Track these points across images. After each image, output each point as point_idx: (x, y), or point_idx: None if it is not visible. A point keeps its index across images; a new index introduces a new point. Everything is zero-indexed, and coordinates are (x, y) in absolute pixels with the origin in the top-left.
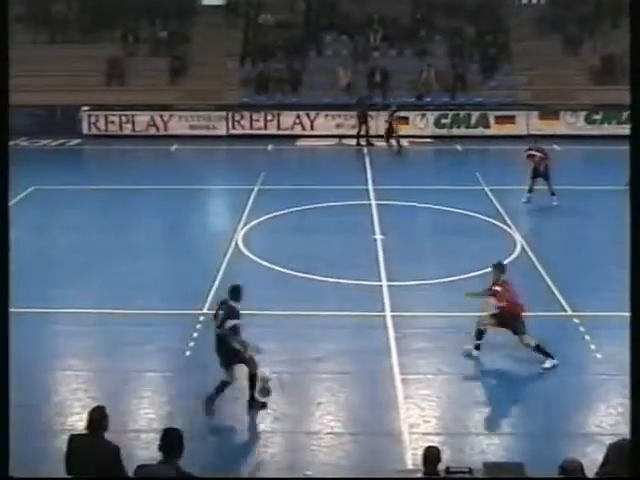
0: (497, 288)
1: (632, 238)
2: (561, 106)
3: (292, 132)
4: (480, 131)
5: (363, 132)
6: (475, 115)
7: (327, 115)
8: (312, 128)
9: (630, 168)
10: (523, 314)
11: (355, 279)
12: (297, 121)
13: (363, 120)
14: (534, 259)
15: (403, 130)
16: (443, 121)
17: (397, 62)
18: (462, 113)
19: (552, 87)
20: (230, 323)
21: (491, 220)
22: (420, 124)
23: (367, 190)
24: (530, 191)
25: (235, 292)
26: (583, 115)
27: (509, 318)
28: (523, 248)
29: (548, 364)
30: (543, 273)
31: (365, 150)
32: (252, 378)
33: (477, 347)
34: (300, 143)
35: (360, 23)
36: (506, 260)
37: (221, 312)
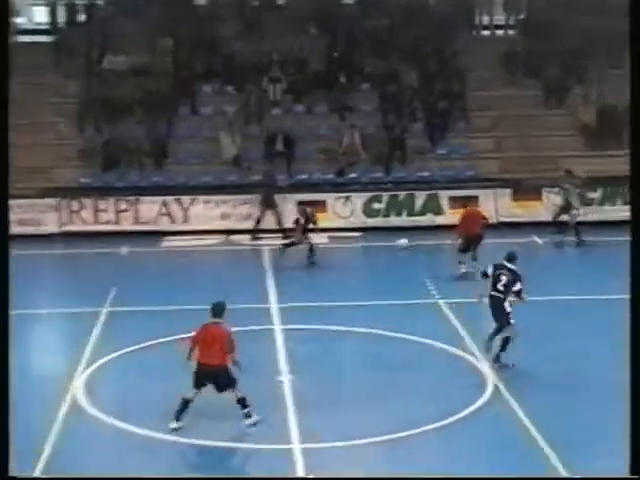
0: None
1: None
2: (542, 181)
3: (156, 227)
4: (429, 219)
5: (264, 224)
6: (421, 196)
7: (207, 201)
8: (185, 221)
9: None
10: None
11: (254, 442)
12: (163, 211)
13: (267, 206)
14: (512, 401)
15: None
16: (375, 206)
17: (307, 123)
18: (402, 194)
19: (528, 154)
20: (517, 286)
21: (449, 347)
22: (343, 211)
23: (268, 310)
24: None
25: (513, 256)
26: (575, 193)
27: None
28: (496, 387)
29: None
30: (525, 421)
31: (266, 251)
32: (506, 340)
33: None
34: (168, 243)
35: (253, 67)
36: (473, 407)
37: (504, 277)
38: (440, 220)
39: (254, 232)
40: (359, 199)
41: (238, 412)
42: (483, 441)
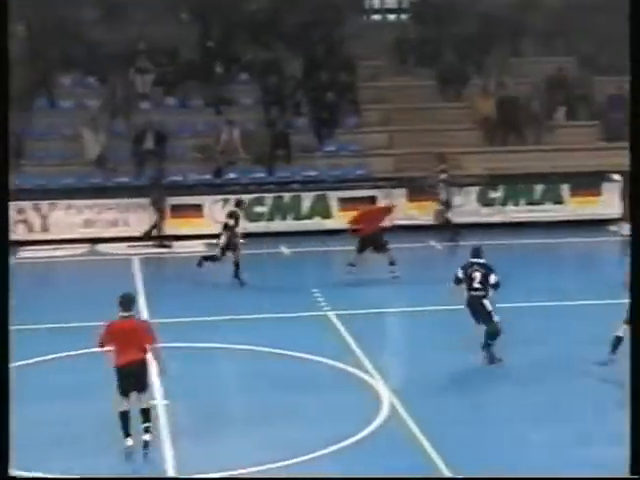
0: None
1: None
2: (440, 180)
3: (11, 236)
4: (317, 223)
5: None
6: (308, 198)
7: (69, 207)
8: (44, 229)
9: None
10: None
11: (122, 473)
12: (18, 218)
13: (160, 209)
14: (409, 422)
15: (194, 226)
16: (258, 209)
17: (180, 118)
18: (287, 196)
19: (425, 150)
20: (492, 279)
21: (340, 364)
22: (221, 216)
23: None
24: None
25: (478, 251)
26: (474, 193)
27: None
28: (393, 406)
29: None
30: (425, 443)
31: (136, 261)
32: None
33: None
34: (25, 254)
35: (118, 56)
36: (368, 429)
37: (477, 273)
38: (329, 224)
39: (152, 238)
40: None
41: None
42: (380, 466)
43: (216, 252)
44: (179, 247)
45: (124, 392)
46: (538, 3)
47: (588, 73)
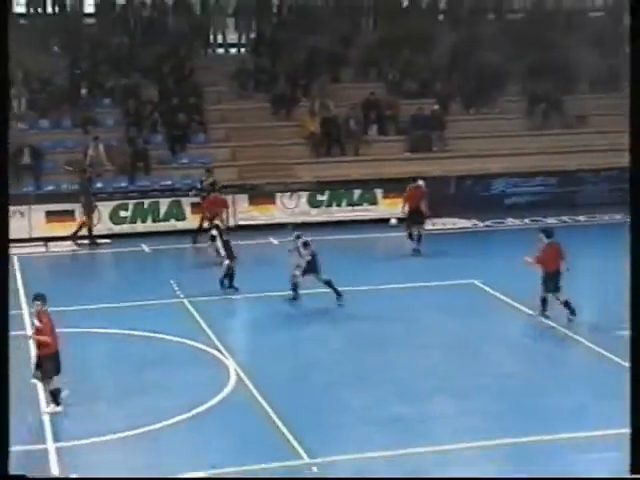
0: (37, 323)
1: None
2: (276, 186)
3: None
4: (172, 225)
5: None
6: (165, 203)
7: None
8: None
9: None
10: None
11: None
12: None
13: (89, 212)
14: (255, 392)
15: (67, 229)
16: (122, 214)
17: (53, 136)
18: (147, 202)
19: (262, 161)
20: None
21: (193, 343)
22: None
23: (21, 316)
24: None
25: (304, 243)
26: (305, 196)
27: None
28: (239, 377)
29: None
30: (268, 409)
31: (15, 259)
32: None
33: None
34: None
35: None
36: (217, 397)
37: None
38: (182, 225)
39: (78, 238)
40: (106, 207)
41: None
42: (230, 427)
43: (224, 266)
44: (54, 247)
45: (58, 372)
46: (355, 39)
47: (395, 97)
